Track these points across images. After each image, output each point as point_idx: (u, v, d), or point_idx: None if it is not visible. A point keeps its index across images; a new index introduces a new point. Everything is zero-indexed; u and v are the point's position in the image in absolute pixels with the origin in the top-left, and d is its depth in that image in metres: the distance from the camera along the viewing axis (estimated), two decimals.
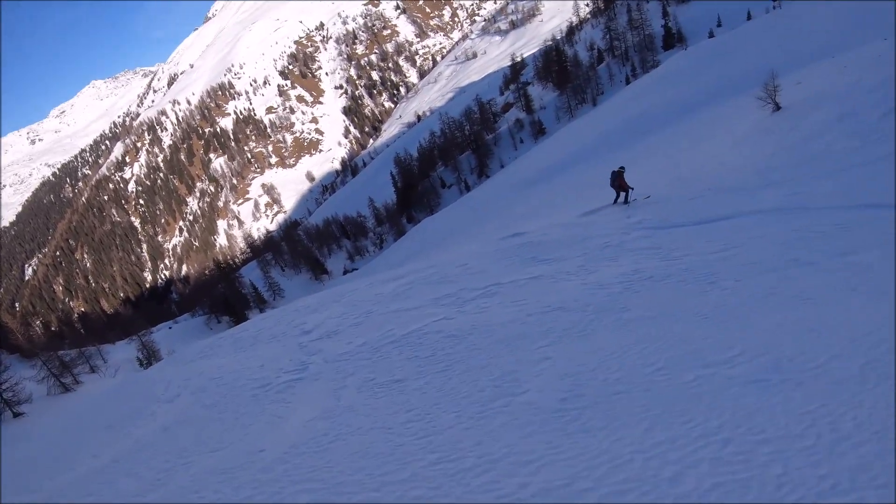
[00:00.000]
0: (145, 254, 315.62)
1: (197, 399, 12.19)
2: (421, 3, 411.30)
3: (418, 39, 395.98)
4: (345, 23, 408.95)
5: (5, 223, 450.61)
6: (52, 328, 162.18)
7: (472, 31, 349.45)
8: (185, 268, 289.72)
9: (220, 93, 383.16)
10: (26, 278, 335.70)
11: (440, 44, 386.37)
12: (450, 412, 7.78)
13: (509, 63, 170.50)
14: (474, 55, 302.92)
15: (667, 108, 50.91)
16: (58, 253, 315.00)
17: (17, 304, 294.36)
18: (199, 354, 16.45)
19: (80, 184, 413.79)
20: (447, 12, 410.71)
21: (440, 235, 58.24)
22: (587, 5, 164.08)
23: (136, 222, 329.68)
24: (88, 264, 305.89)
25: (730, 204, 16.40)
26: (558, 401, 7.20)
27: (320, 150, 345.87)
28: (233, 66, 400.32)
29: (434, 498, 5.76)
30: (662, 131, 41.40)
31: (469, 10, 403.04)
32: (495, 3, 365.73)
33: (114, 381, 43.76)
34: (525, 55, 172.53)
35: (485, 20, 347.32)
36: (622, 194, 21.64)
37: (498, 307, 11.67)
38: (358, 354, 11.37)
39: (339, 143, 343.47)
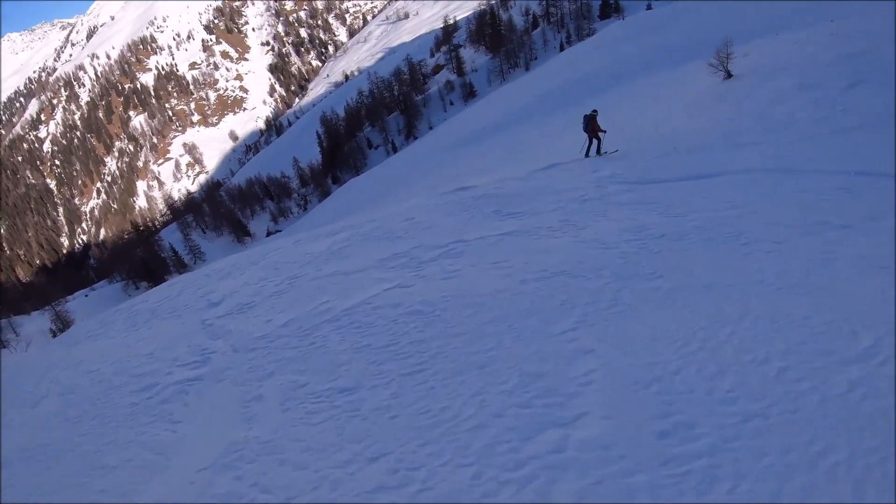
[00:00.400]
0: (62, 217, 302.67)
1: (62, 406, 8.52)
2: None
3: None
4: None
5: None
6: None
7: None
8: (103, 231, 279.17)
9: (141, 47, 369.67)
10: None
11: (371, 3, 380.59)
12: (453, 464, 4.84)
13: (441, 25, 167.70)
14: (406, 16, 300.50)
15: (607, 74, 49.36)
16: None
17: None
18: (87, 334, 12.97)
19: None
20: None
21: (367, 196, 56.74)
22: None
23: (52, 184, 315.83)
24: (2, 230, 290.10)
25: (709, 162, 15.08)
26: (655, 437, 4.64)
27: (245, 109, 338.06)
28: (155, 18, 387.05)
29: None
30: (605, 95, 40.17)
31: None
32: None
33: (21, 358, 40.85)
34: (458, 17, 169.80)
35: None
36: (594, 143, 20.30)
37: (473, 271, 9.27)
38: (280, 340, 8.31)
39: (265, 102, 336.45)
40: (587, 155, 20.34)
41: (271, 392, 6.91)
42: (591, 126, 19.90)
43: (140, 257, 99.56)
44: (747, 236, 8.68)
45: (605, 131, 20.14)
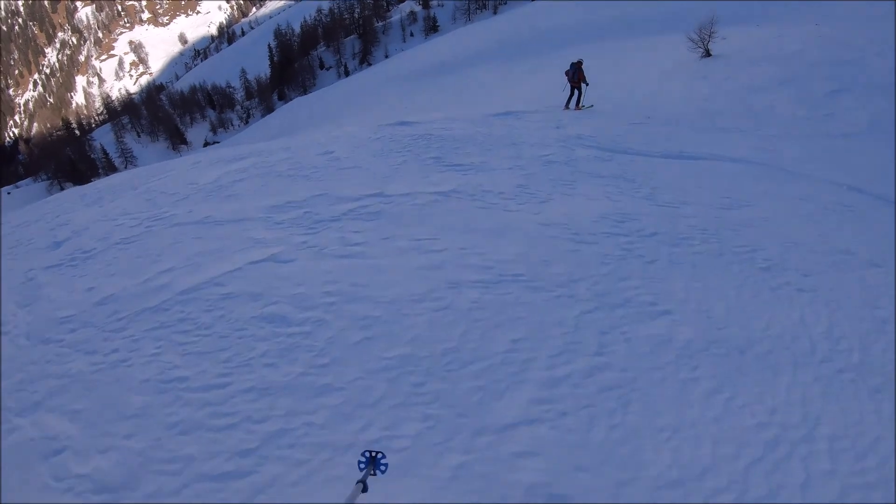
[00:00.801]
0: None
1: None
2: None
3: None
4: None
5: None
6: None
7: None
8: (36, 126, 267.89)
9: None
10: None
11: None
12: None
13: None
14: None
15: (581, 29, 48.20)
16: None
17: None
18: None
19: None
20: None
21: (310, 118, 55.33)
22: None
23: None
24: None
25: (690, 141, 13.39)
26: None
27: (198, 12, 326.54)
28: None
29: None
30: (578, 49, 38.70)
31: None
32: None
33: None
34: None
35: None
36: (576, 94, 19.06)
37: (383, 250, 6.79)
38: (78, 334, 5.75)
39: (220, 8, 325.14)
40: (567, 107, 19.08)
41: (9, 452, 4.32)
42: (577, 76, 18.71)
43: (69, 157, 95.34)
44: (766, 257, 6.76)
45: (588, 84, 18.95)
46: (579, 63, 18.68)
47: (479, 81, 39.30)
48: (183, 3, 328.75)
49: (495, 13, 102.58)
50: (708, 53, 25.99)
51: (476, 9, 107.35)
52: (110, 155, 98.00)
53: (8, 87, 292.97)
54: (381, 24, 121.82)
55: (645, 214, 7.81)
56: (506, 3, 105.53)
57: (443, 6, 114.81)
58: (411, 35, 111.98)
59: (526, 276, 6.00)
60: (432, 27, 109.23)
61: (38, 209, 12.67)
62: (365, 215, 7.84)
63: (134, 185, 11.86)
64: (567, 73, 18.90)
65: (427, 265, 6.31)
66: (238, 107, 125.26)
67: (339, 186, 9.26)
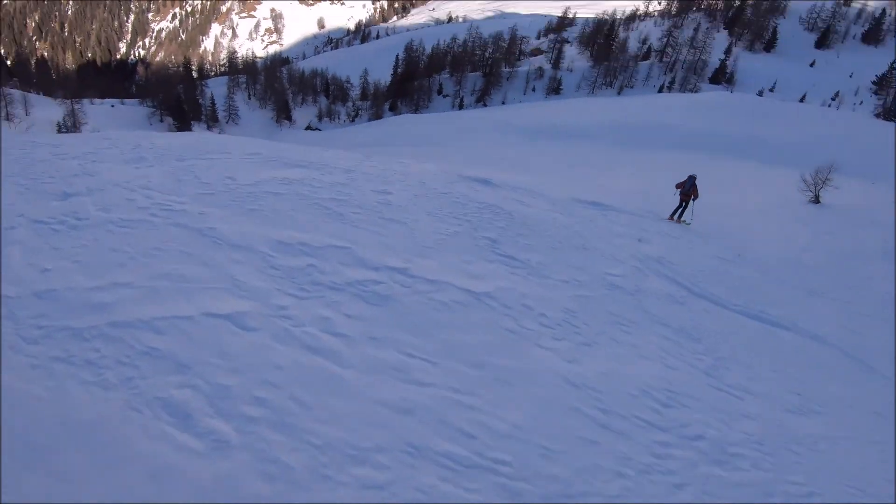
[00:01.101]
0: (130, 24, 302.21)
1: None
2: None
3: None
4: None
5: None
6: (7, 62, 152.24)
7: None
8: (161, 55, 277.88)
9: None
10: (3, 2, 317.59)
11: None
12: None
13: (559, 14, 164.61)
14: None
15: (700, 134, 47.34)
16: None
17: None
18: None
19: None
20: None
21: (408, 137, 55.80)
22: (659, 3, 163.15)
23: None
24: (69, 11, 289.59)
25: (776, 298, 12.05)
26: None
27: (342, 3, 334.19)
28: None
29: None
30: (691, 155, 37.93)
31: None
32: None
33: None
34: (578, 15, 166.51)
35: None
36: (683, 206, 18.73)
37: (365, 360, 5.46)
38: (5, 322, 5.07)
39: (364, 6, 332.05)
40: (671, 217, 18.67)
41: None
42: (692, 190, 18.32)
43: (178, 94, 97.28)
44: None
45: (697, 197, 18.39)
46: (695, 178, 18.29)
47: (583, 156, 38.46)
48: None
49: (619, 93, 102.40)
50: (817, 200, 24.34)
51: (602, 84, 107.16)
52: (217, 106, 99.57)
53: (148, 11, 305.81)
54: (507, 69, 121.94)
55: (697, 400, 6.33)
56: (632, 87, 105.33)
57: (571, 72, 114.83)
58: (533, 90, 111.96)
59: (509, 470, 4.41)
60: (555, 89, 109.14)
61: (97, 139, 12.88)
62: (371, 296, 6.77)
63: (182, 156, 11.52)
64: (681, 184, 18.42)
65: (396, 405, 4.83)
66: (350, 103, 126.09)
67: (368, 244, 8.34)
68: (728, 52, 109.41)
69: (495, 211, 11.82)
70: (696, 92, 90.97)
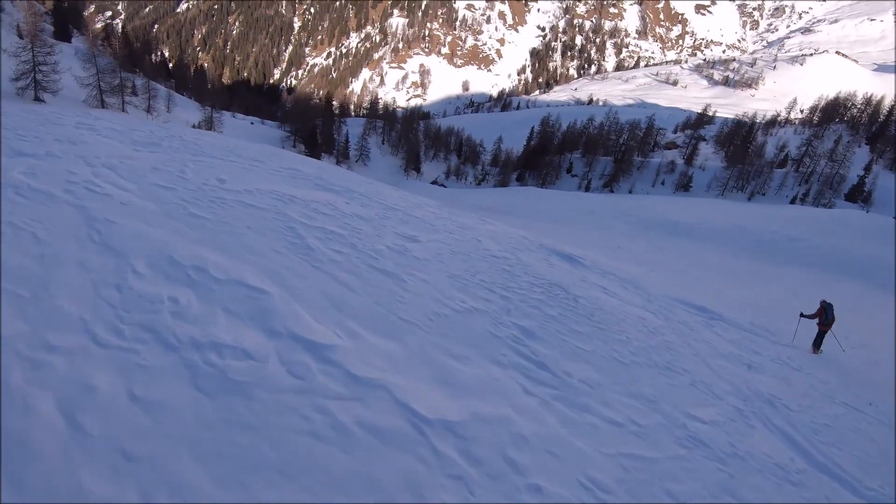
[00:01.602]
0: (286, 54, 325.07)
1: None
2: (661, 6, 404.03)
3: (636, 36, 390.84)
4: None
5: None
6: (169, 64, 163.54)
7: (686, 61, 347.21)
8: (311, 87, 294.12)
9: None
10: (178, 10, 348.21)
11: (652, 53, 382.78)
12: None
13: (699, 111, 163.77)
14: (675, 83, 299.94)
15: (830, 252, 43.72)
16: (215, 7, 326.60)
17: (156, 25, 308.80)
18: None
19: None
20: (676, 31, 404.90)
21: (528, 208, 55.93)
22: (800, 111, 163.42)
23: (297, 24, 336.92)
24: (234, 32, 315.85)
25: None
26: None
27: (489, 70, 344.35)
28: None
29: None
30: (818, 272, 36.62)
31: (696, 43, 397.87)
32: (723, 53, 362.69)
33: (145, 122, 41.26)
34: (718, 114, 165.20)
35: (704, 60, 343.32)
36: (820, 336, 17.32)
37: None
38: None
39: (509, 76, 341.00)
40: (815, 350, 17.08)
41: None
42: (830, 319, 17.16)
43: (315, 125, 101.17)
44: None
45: (833, 320, 17.14)
46: (831, 306, 17.02)
47: (702, 257, 37.46)
48: (480, 56, 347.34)
49: (749, 199, 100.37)
50: None
51: (734, 187, 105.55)
52: (350, 144, 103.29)
53: (306, 45, 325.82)
54: (639, 159, 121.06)
55: None
56: (763, 195, 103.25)
57: (703, 170, 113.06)
58: (662, 183, 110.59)
59: None
60: (685, 185, 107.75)
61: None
62: (210, 378, 4.36)
63: (212, 153, 10.82)
64: (815, 315, 17.06)
65: None
66: (479, 166, 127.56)
67: (305, 294, 6.33)
68: (868, 168, 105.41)
69: (554, 293, 9.54)
70: (829, 207, 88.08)
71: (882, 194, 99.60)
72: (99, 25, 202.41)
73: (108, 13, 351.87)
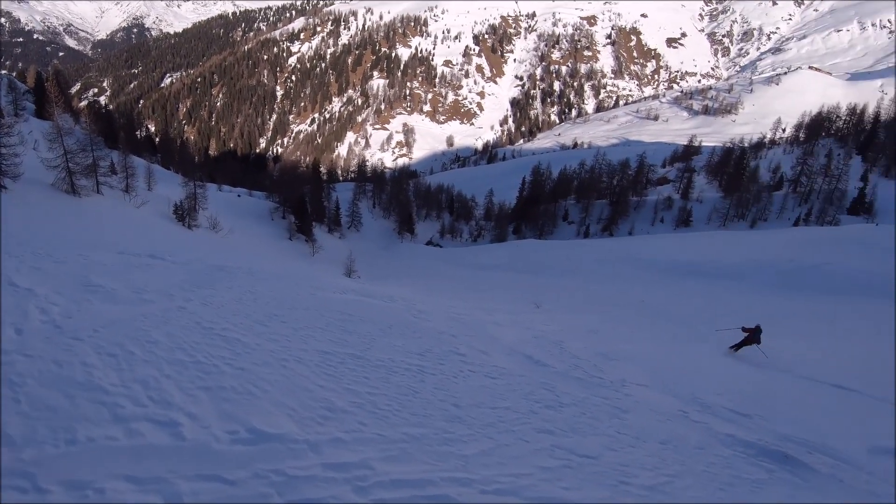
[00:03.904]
0: (271, 122, 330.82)
1: None
2: (633, 44, 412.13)
3: (612, 76, 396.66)
4: (554, 24, 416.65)
5: (170, 30, 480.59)
6: (156, 139, 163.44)
7: (664, 95, 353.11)
8: (297, 154, 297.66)
9: (411, 24, 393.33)
10: (161, 85, 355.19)
11: (629, 90, 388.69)
12: None
13: (684, 143, 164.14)
14: (655, 118, 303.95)
15: (849, 275, 42.92)
16: (199, 80, 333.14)
17: (141, 101, 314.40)
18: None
19: (251, 34, 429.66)
20: (651, 66, 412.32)
21: (531, 265, 55.42)
22: (783, 130, 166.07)
23: (279, 93, 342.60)
24: (219, 103, 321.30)
25: None
26: None
27: (472, 124, 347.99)
28: (436, 7, 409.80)
29: None
30: (842, 300, 35.32)
31: (671, 75, 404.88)
32: (699, 82, 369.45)
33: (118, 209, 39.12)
34: (704, 143, 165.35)
35: (681, 92, 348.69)
36: (743, 345, 21.82)
37: None
38: None
39: (492, 128, 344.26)
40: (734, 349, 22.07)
41: None
42: (757, 338, 21.32)
43: (303, 194, 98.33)
44: None
45: (751, 343, 21.39)
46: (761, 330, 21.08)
47: (725, 300, 36.43)
48: (462, 111, 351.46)
49: (752, 226, 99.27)
50: None
51: (734, 216, 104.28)
52: (341, 211, 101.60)
53: (290, 113, 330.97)
54: (635, 199, 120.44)
55: None
56: (765, 220, 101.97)
57: (701, 202, 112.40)
58: (661, 221, 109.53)
59: None
60: (685, 220, 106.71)
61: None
62: None
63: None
64: (749, 331, 21.67)
65: None
66: (473, 222, 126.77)
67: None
68: (864, 179, 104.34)
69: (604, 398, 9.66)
70: (835, 224, 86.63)
71: (883, 203, 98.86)
72: (84, 103, 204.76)
73: (94, 90, 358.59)
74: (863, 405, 14.54)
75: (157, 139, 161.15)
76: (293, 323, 10.34)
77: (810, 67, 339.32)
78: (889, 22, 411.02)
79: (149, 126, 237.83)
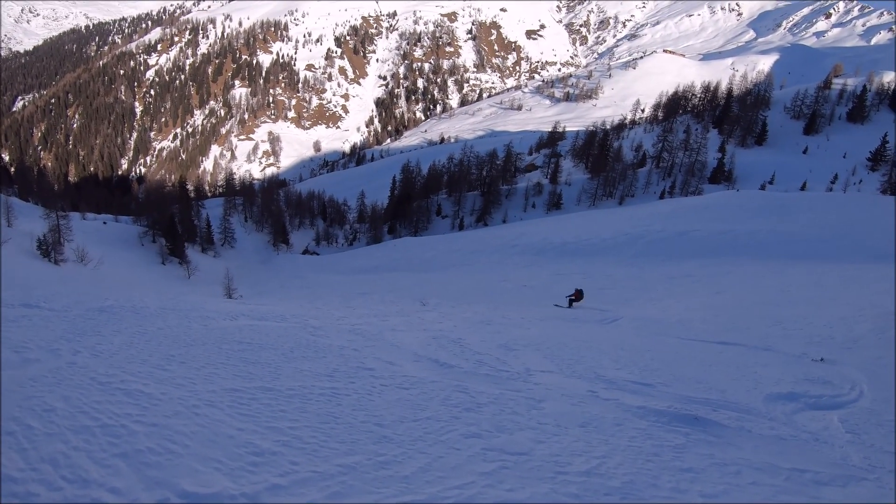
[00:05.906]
0: (132, 142, 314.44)
1: None
2: (493, 38, 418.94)
3: (474, 70, 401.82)
4: (416, 22, 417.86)
5: (20, 48, 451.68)
6: (10, 168, 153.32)
7: (526, 85, 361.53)
8: (162, 172, 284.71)
9: (272, 29, 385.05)
10: (13, 109, 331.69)
11: (492, 83, 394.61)
12: None
13: (549, 129, 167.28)
14: (519, 108, 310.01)
15: (715, 239, 45.67)
16: (53, 101, 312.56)
17: None
18: None
19: (106, 48, 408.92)
20: (512, 58, 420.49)
21: (410, 262, 56.20)
22: (642, 111, 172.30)
23: (139, 109, 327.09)
24: (75, 125, 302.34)
25: None
26: None
27: (338, 127, 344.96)
28: (296, 10, 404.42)
29: None
30: (725, 260, 37.02)
31: (532, 66, 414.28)
32: (559, 71, 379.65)
33: None
34: (568, 129, 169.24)
35: (542, 81, 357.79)
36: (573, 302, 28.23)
37: None
38: None
39: (358, 129, 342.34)
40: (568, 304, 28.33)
41: None
42: (581, 297, 28.26)
43: (172, 214, 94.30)
44: None
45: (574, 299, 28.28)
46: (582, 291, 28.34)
47: (605, 273, 37.40)
48: (327, 115, 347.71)
49: (620, 203, 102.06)
50: None
51: (602, 195, 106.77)
52: (213, 228, 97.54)
53: (151, 130, 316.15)
54: (506, 187, 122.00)
55: None
56: (633, 196, 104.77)
57: (570, 185, 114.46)
58: (533, 206, 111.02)
59: None
60: (555, 203, 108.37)
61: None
62: None
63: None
64: (574, 294, 28.46)
65: None
66: (347, 226, 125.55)
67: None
68: (722, 150, 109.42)
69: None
70: (699, 194, 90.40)
71: (742, 170, 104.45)
72: None
73: None
74: (748, 356, 15.38)
75: (13, 169, 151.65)
76: (193, 362, 9.93)
77: (665, 51, 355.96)
78: (737, 6, 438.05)
79: (2, 155, 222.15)
